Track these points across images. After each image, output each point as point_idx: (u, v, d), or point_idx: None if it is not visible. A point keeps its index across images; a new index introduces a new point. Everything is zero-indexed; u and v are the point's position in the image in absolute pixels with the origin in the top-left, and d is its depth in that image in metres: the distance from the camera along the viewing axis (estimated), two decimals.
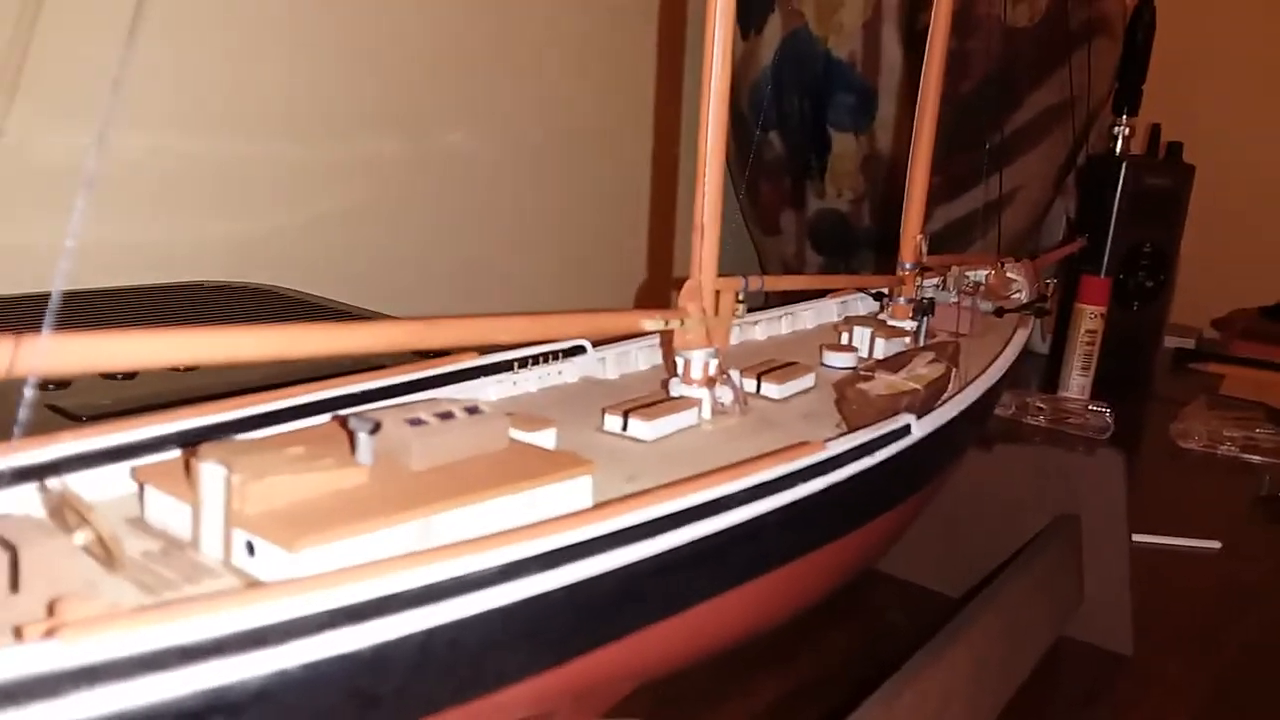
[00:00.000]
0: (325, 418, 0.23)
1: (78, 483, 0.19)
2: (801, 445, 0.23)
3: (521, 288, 0.73)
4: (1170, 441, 0.70)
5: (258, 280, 0.49)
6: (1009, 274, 0.51)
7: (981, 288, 0.45)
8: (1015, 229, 0.78)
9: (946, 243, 0.74)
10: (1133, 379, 0.84)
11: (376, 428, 0.19)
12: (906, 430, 0.27)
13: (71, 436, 0.19)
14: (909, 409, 0.28)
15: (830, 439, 0.24)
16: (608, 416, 0.27)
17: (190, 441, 0.20)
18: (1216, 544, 0.53)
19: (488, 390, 0.29)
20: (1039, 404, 0.73)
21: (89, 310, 0.40)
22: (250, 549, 0.17)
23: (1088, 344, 0.76)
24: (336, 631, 0.14)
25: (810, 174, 0.75)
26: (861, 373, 0.30)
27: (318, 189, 0.58)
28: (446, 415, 0.21)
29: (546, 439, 0.23)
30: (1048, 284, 0.48)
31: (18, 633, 0.13)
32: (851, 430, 0.26)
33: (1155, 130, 0.88)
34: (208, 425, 0.21)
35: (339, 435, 0.20)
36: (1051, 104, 0.72)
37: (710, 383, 0.28)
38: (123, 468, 0.19)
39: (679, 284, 0.28)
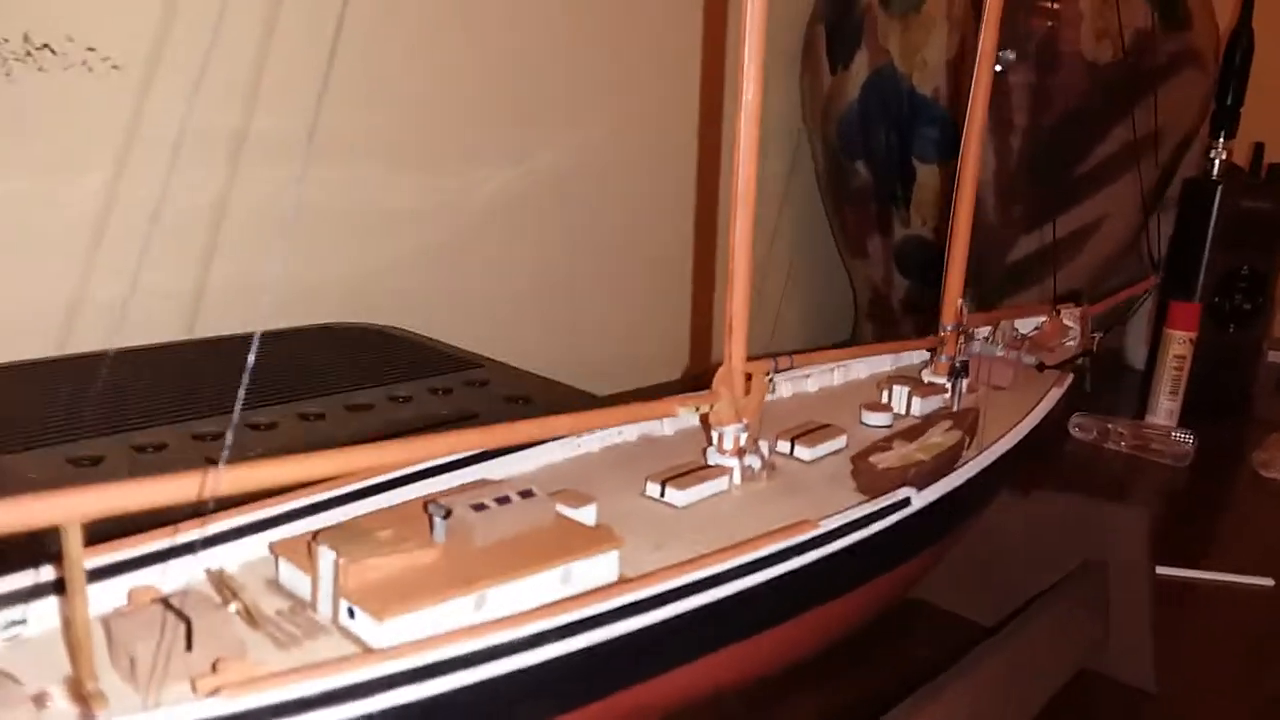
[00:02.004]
0: (420, 488, 0.29)
1: (232, 551, 0.25)
2: (799, 524, 0.28)
3: (619, 322, 0.78)
4: (1252, 470, 0.71)
5: (376, 320, 0.56)
6: (1065, 321, 0.54)
7: (1026, 341, 0.48)
8: (1105, 255, 0.79)
9: (1033, 270, 0.77)
10: (1230, 403, 0.84)
11: (448, 514, 0.25)
12: (906, 502, 0.31)
13: (226, 516, 0.25)
14: (912, 482, 0.32)
15: (829, 516, 0.29)
16: (649, 484, 0.32)
17: (314, 510, 0.27)
18: (1270, 581, 0.55)
19: (556, 453, 0.35)
20: (1120, 430, 0.75)
21: (230, 355, 0.47)
22: (351, 614, 0.23)
23: (1175, 369, 0.78)
24: (404, 688, 0.20)
25: (896, 202, 0.78)
26: (880, 443, 0.35)
27: (425, 225, 0.65)
28: (504, 500, 0.26)
29: (588, 515, 0.29)
30: (1093, 337, 0.51)
31: (193, 685, 0.19)
32: (866, 497, 0.31)
33: (1258, 149, 0.88)
34: (325, 499, 0.27)
35: (421, 517, 0.26)
36: (1136, 137, 0.73)
37: (740, 453, 0.33)
38: (264, 538, 0.26)
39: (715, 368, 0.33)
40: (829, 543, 0.28)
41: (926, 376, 0.44)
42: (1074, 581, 0.41)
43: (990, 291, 0.79)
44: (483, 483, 0.29)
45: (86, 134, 0.50)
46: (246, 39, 0.52)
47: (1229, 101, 0.82)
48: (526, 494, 0.27)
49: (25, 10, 0.47)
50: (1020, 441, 0.38)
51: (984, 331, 0.49)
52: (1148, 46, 0.71)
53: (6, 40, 0.47)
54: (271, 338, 0.51)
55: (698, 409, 0.32)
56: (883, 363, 0.47)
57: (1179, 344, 0.78)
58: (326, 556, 0.23)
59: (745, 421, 0.33)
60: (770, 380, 0.35)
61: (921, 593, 0.46)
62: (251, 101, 0.53)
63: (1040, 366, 0.46)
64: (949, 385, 0.42)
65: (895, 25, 0.74)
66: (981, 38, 0.43)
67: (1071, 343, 0.51)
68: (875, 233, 0.81)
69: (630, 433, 0.37)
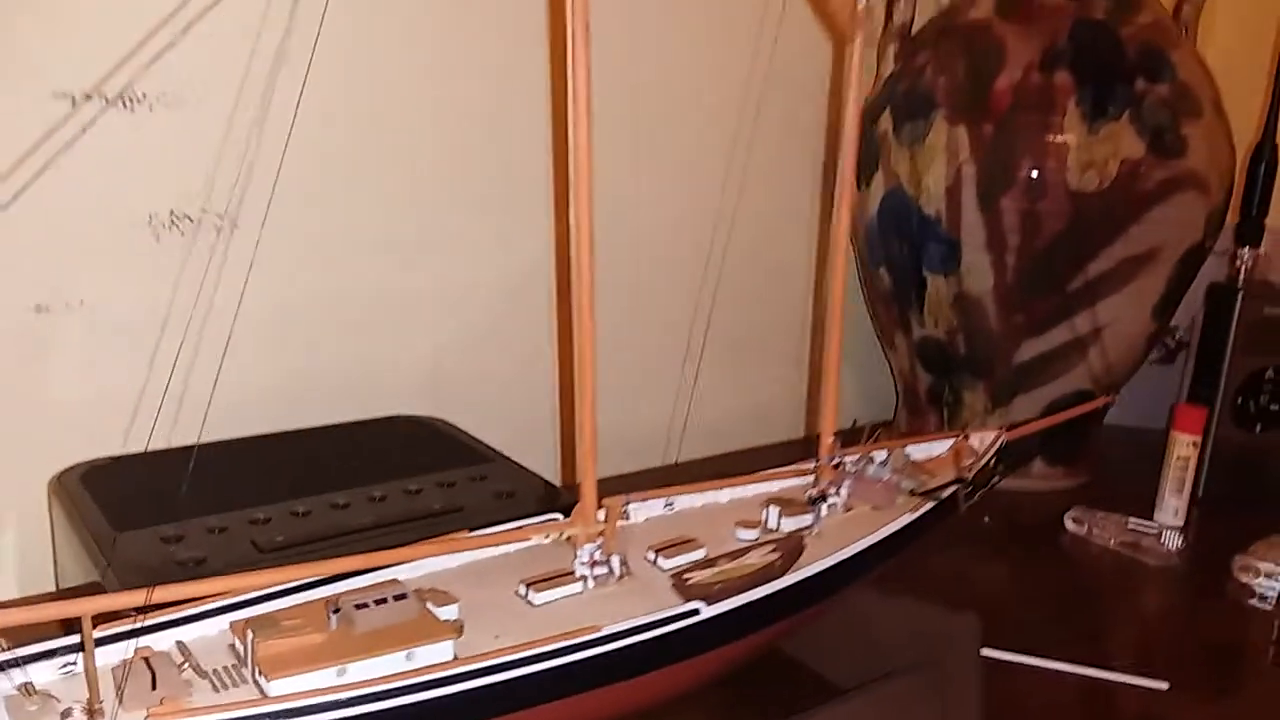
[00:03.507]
0: (342, 585, 0.43)
1: (205, 627, 0.40)
2: (587, 628, 0.40)
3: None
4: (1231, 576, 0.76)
5: (430, 408, 0.72)
6: (973, 444, 0.62)
7: (908, 466, 0.58)
8: (1111, 360, 0.85)
9: (1040, 370, 0.84)
10: (1257, 503, 0.87)
11: (338, 609, 0.39)
12: (695, 612, 0.43)
13: (200, 603, 0.40)
14: (703, 597, 0.43)
15: (611, 624, 0.41)
16: (520, 585, 0.45)
17: (264, 600, 0.41)
18: (1164, 685, 0.61)
19: (480, 555, 0.48)
20: (1108, 526, 0.81)
21: (289, 448, 0.64)
22: (258, 673, 0.37)
23: (1180, 470, 0.83)
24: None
25: (912, 306, 0.87)
26: (702, 562, 0.46)
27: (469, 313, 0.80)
28: (382, 600, 0.40)
29: (451, 612, 0.42)
30: (970, 466, 0.58)
31: (147, 711, 0.34)
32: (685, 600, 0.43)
33: None
34: (271, 593, 0.42)
35: (323, 610, 0.40)
36: (1132, 254, 0.79)
37: (594, 564, 0.46)
38: (229, 618, 0.40)
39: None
40: (608, 643, 0.40)
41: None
42: (909, 672, 0.51)
43: (1002, 387, 0.86)
44: (390, 582, 0.43)
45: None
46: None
47: (1254, 213, 0.87)
48: (400, 596, 0.40)
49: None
50: (850, 559, 0.48)
51: (883, 455, 0.58)
52: (1136, 175, 0.77)
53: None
54: (319, 433, 0.67)
55: (548, 536, 0.45)
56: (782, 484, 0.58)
57: (1184, 446, 0.83)
58: (248, 636, 0.38)
59: (600, 540, 0.46)
60: (624, 509, 0.47)
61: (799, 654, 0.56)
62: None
63: (912, 491, 0.56)
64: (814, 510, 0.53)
65: (904, 153, 0.83)
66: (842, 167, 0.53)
67: (949, 471, 0.58)
68: (899, 331, 0.90)
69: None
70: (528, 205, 0.80)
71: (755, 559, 0.47)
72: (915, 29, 0.89)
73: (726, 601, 0.44)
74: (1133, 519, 0.81)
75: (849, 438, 0.58)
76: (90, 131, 0.61)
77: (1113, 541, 0.80)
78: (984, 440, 0.61)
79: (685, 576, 0.45)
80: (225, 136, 0.65)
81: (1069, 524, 0.82)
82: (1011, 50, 0.80)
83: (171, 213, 0.66)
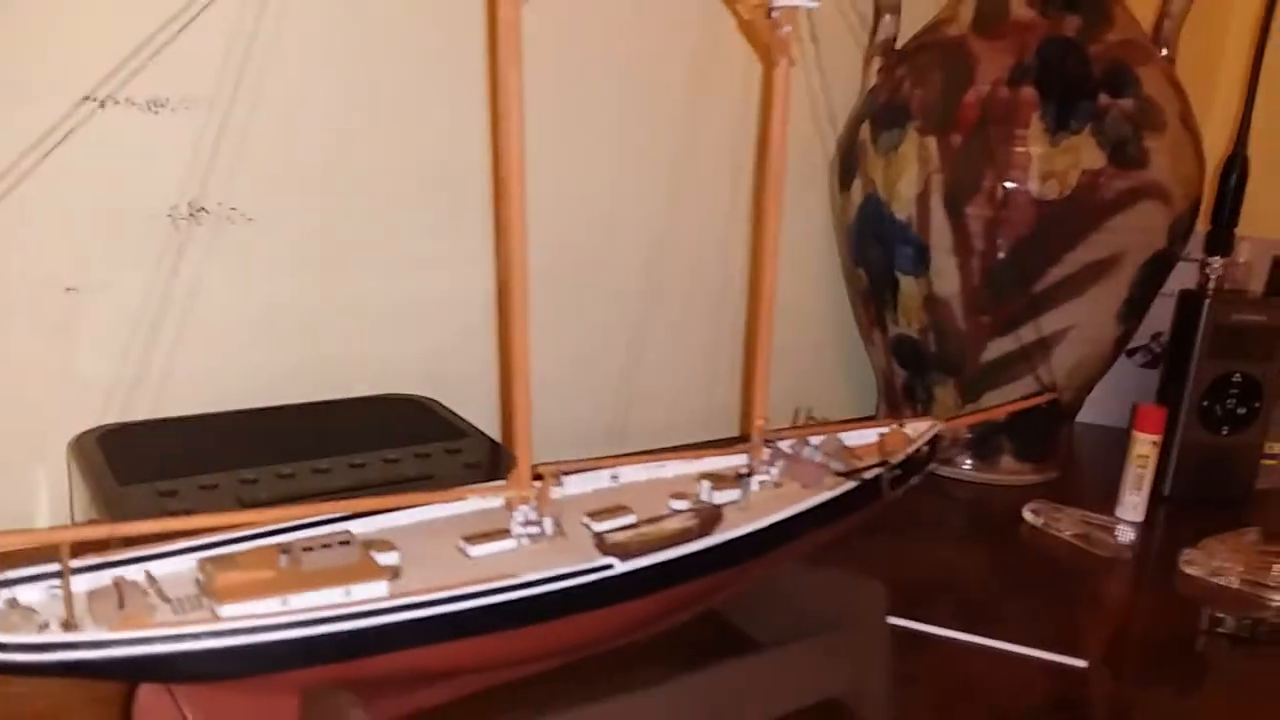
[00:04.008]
0: (302, 534, 0.49)
1: (171, 564, 0.46)
2: (505, 574, 0.46)
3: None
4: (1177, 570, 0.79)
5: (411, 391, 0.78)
6: (907, 432, 0.67)
7: (842, 451, 0.62)
8: (1077, 358, 0.89)
9: (1007, 368, 0.88)
10: (1221, 503, 0.90)
11: (286, 551, 0.45)
12: (610, 567, 0.48)
13: (170, 542, 0.46)
14: (620, 554, 0.49)
15: (533, 572, 0.46)
16: (461, 540, 0.51)
17: (232, 542, 0.47)
18: (1083, 663, 0.65)
19: (441, 511, 0.54)
20: (1063, 517, 0.85)
21: (289, 419, 0.70)
22: (214, 600, 0.43)
23: (1140, 468, 0.87)
24: (227, 638, 0.40)
25: (887, 305, 0.91)
26: (627, 526, 0.52)
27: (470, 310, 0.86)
28: (327, 545, 0.46)
29: (390, 558, 0.47)
30: (893, 452, 0.63)
31: (109, 626, 0.40)
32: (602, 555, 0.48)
33: (1276, 261, 0.94)
34: (240, 536, 0.48)
35: (275, 553, 0.46)
36: (1093, 259, 0.83)
37: (528, 524, 0.51)
38: (197, 556, 0.47)
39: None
40: (525, 589, 0.46)
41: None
42: (823, 634, 0.56)
43: (971, 384, 0.90)
44: (340, 532, 0.48)
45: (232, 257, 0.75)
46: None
47: (1224, 223, 0.90)
48: (344, 543, 0.46)
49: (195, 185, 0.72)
50: (764, 529, 0.53)
51: (818, 439, 0.63)
52: (1096, 185, 0.81)
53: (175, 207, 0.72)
54: (314, 407, 0.73)
55: (485, 497, 0.50)
56: (726, 461, 0.62)
57: (1143, 445, 0.87)
58: (207, 569, 0.44)
59: (533, 503, 0.51)
60: (558, 478, 0.52)
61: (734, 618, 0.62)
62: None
63: (838, 473, 0.60)
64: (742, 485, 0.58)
65: (880, 161, 0.87)
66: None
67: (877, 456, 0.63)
68: (877, 328, 0.95)
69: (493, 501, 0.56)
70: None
71: (674, 524, 0.52)
72: (903, 43, 0.93)
73: (640, 559, 0.49)
74: (1089, 513, 0.85)
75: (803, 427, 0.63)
76: (117, 131, 0.69)
77: (1068, 534, 0.84)
78: (918, 429, 0.66)
79: (607, 537, 0.51)
80: (242, 138, 0.72)
81: (1027, 515, 0.86)
82: (982, 66, 0.84)
83: (190, 204, 0.73)
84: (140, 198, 0.71)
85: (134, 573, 0.44)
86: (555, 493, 0.54)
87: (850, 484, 0.59)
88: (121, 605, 0.42)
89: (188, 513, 0.56)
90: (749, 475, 0.58)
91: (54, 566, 0.42)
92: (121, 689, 0.48)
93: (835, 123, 0.95)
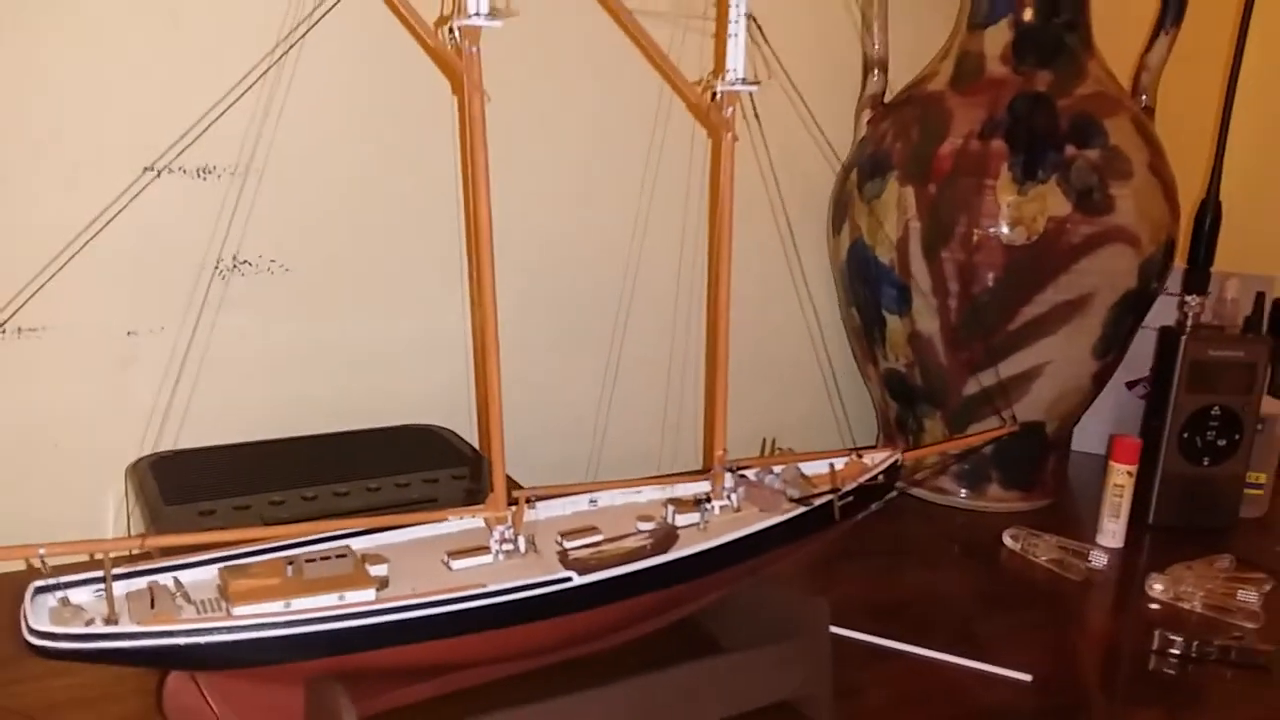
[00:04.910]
0: (307, 549, 0.58)
1: (198, 573, 0.55)
2: (475, 584, 0.54)
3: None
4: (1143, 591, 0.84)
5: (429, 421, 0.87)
6: (865, 462, 0.73)
7: (799, 479, 0.69)
8: (1055, 392, 0.94)
9: (985, 404, 0.94)
10: (1202, 532, 0.94)
11: (291, 563, 0.54)
12: (569, 579, 0.56)
13: (195, 554, 0.55)
14: (578, 569, 0.56)
15: (500, 582, 0.54)
16: (445, 555, 0.59)
17: (249, 555, 0.56)
18: (1028, 677, 0.70)
19: (432, 530, 0.62)
20: (1039, 542, 0.90)
21: (321, 447, 0.79)
22: (229, 602, 0.52)
23: (1116, 496, 0.92)
24: (238, 634, 0.49)
25: (876, 342, 0.98)
26: (591, 544, 0.59)
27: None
28: (326, 558, 0.54)
29: (381, 570, 0.56)
30: (844, 481, 0.69)
31: (139, 623, 0.49)
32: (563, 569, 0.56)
33: (1260, 299, 0.98)
34: (257, 550, 0.56)
35: (282, 565, 0.54)
36: (1063, 299, 0.88)
37: (503, 542, 0.59)
38: (216, 568, 0.55)
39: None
40: (492, 597, 0.54)
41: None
42: (773, 644, 0.62)
43: (956, 417, 0.96)
44: (340, 548, 0.57)
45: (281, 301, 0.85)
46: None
47: (1199, 262, 0.94)
48: (342, 556, 0.55)
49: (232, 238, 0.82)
50: (713, 549, 0.60)
51: (779, 468, 0.70)
52: (1063, 230, 0.86)
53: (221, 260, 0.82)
54: (340, 436, 0.82)
55: (462, 518, 0.58)
56: (692, 488, 0.69)
57: (1119, 474, 0.92)
58: (224, 577, 0.52)
59: (509, 523, 0.59)
60: (531, 502, 0.60)
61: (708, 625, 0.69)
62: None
63: (792, 500, 0.67)
64: (708, 507, 0.65)
65: (865, 208, 0.94)
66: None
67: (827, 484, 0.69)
68: (870, 363, 1.01)
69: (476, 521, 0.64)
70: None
71: (631, 543, 0.59)
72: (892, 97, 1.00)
73: (595, 574, 0.57)
74: (1065, 539, 0.90)
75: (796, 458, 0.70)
76: (171, 195, 0.79)
77: (1043, 558, 0.89)
78: (875, 460, 0.72)
79: (571, 553, 0.58)
80: (273, 198, 0.82)
81: (1006, 540, 0.91)
82: (957, 120, 0.90)
83: (233, 257, 0.82)
84: (189, 251, 0.81)
85: (165, 579, 0.53)
86: (530, 514, 0.62)
87: (797, 509, 0.65)
88: (153, 605, 0.50)
89: (221, 528, 0.65)
90: (707, 501, 0.65)
91: (99, 572, 0.51)
92: (155, 678, 0.57)
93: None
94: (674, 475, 0.70)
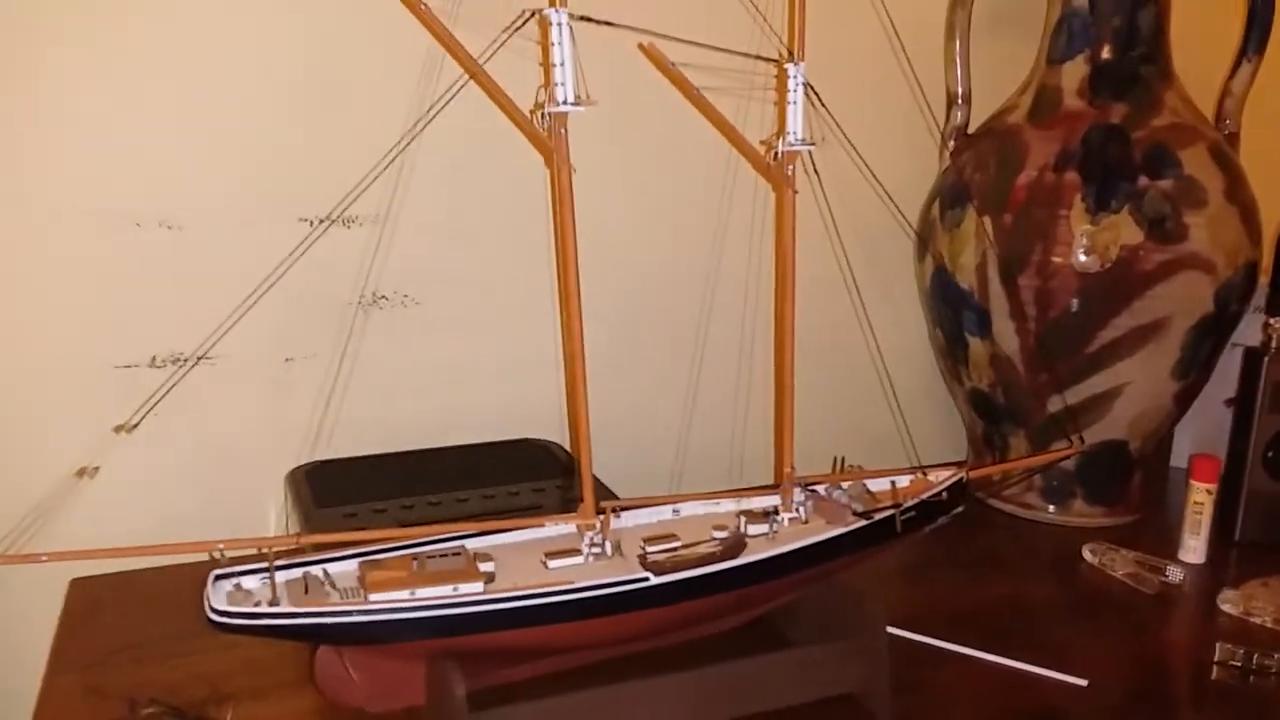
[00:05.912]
0: (433, 546, 0.68)
1: (344, 565, 0.66)
2: (565, 582, 0.63)
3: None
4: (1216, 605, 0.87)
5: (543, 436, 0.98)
6: (931, 479, 0.79)
7: (865, 494, 0.76)
8: (1135, 413, 0.97)
9: (1064, 423, 0.98)
10: None
11: (416, 559, 0.64)
12: (646, 579, 0.65)
13: (340, 549, 0.66)
14: (655, 570, 0.65)
15: (588, 580, 0.63)
16: (544, 555, 0.68)
17: (382, 552, 0.67)
18: (1083, 681, 0.75)
19: (534, 534, 0.72)
20: (1117, 557, 0.94)
21: (448, 459, 0.91)
22: (365, 590, 0.63)
23: (1196, 514, 0.95)
24: (374, 616, 0.60)
25: (960, 362, 1.03)
26: (669, 548, 0.68)
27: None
28: (444, 555, 0.65)
29: (489, 566, 0.66)
30: (907, 497, 0.75)
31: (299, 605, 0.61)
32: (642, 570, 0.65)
33: None
34: (390, 547, 0.67)
35: (410, 560, 0.65)
36: (1139, 324, 0.92)
37: (593, 546, 0.68)
38: (355, 561, 0.66)
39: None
40: (578, 593, 0.63)
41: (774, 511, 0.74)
42: (834, 640, 0.70)
43: (1039, 434, 1.01)
44: (457, 547, 0.67)
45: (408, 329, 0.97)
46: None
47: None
48: (457, 554, 0.65)
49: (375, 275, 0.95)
50: (776, 556, 0.68)
51: (848, 484, 0.77)
52: (1135, 258, 0.90)
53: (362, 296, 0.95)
54: (464, 448, 0.93)
55: (557, 523, 0.68)
56: (768, 500, 0.77)
57: (1199, 492, 0.95)
58: (363, 569, 0.64)
59: (597, 530, 0.68)
60: (616, 512, 0.70)
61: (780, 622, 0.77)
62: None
63: (858, 514, 0.74)
64: (777, 519, 0.73)
65: (946, 236, 1.00)
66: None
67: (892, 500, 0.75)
68: (955, 382, 1.06)
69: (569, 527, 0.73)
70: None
71: (703, 549, 0.68)
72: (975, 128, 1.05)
73: (670, 575, 0.65)
74: (1142, 554, 0.94)
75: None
76: (322, 241, 0.92)
77: (1120, 572, 0.93)
78: (939, 477, 0.78)
79: (650, 556, 0.67)
80: (411, 245, 0.94)
81: (1086, 555, 0.96)
82: (1033, 152, 0.95)
83: (373, 293, 0.95)
84: (337, 289, 0.93)
85: (316, 570, 0.65)
86: (617, 522, 0.71)
87: (858, 522, 0.73)
88: (306, 591, 0.62)
89: (361, 529, 0.77)
90: (775, 513, 0.73)
91: (264, 564, 0.63)
92: (308, 650, 0.69)
93: None
94: (750, 489, 0.78)
